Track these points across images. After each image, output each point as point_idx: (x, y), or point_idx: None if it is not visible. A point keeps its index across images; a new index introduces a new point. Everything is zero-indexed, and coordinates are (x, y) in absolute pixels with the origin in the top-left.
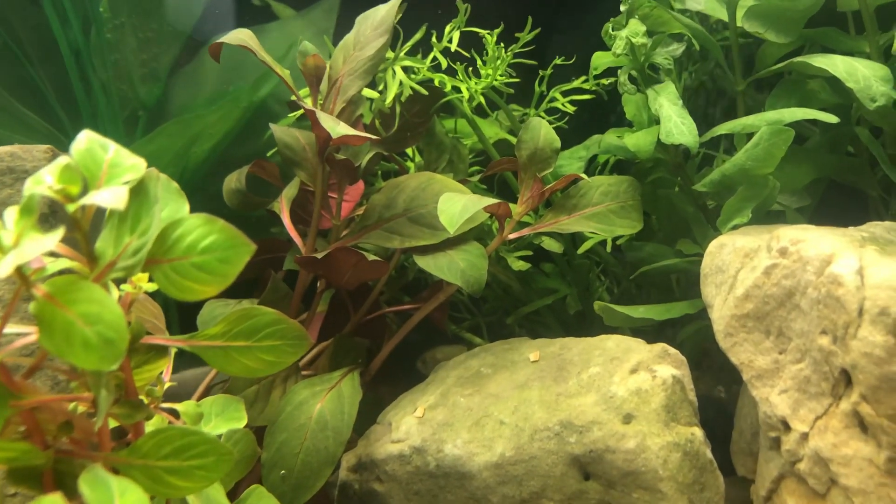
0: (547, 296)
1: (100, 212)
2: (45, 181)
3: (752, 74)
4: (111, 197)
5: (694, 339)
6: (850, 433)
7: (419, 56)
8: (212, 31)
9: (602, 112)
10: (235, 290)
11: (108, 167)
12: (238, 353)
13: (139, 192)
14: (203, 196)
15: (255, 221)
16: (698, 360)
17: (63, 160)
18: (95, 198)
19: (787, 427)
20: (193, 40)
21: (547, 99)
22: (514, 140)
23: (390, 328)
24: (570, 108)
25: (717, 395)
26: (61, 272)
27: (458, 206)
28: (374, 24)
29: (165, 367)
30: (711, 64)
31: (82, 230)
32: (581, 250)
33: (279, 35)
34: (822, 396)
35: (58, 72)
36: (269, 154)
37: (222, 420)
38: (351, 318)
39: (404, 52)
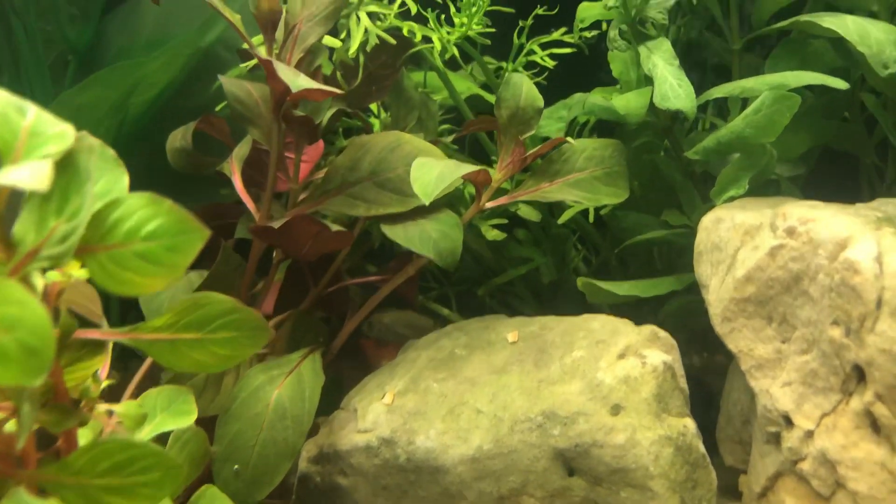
0: (520, 265)
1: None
2: None
3: (748, 32)
4: (30, 176)
5: (677, 316)
6: (860, 434)
7: (386, 1)
8: None
9: (584, 67)
10: None
11: (27, 136)
12: (188, 347)
13: (67, 165)
14: (146, 149)
15: (201, 182)
16: (681, 337)
17: None
18: (10, 176)
19: (789, 423)
20: None
21: (524, 52)
22: (488, 96)
23: (353, 302)
24: (550, 63)
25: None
26: None
27: (433, 173)
28: None
29: (102, 363)
30: (706, 20)
31: None
32: (562, 220)
33: None
34: (831, 392)
35: None
36: (218, 108)
37: (169, 415)
38: (310, 290)
39: None
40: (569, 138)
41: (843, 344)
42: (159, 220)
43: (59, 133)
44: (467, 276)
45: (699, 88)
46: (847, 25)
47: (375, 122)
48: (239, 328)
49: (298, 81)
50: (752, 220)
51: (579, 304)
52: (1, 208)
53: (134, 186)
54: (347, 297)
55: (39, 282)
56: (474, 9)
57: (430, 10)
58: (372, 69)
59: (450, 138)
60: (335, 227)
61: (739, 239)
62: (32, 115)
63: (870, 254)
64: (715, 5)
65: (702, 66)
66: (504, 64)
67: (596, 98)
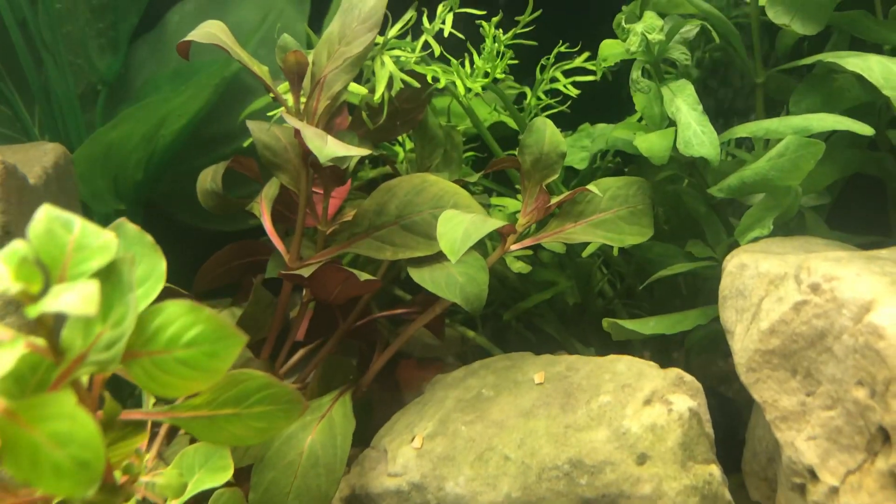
0: (545, 289)
1: None
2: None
3: (772, 60)
4: (79, 300)
5: (703, 344)
6: (886, 495)
7: (409, 38)
8: None
9: (606, 94)
10: (214, 292)
11: (72, 251)
12: (226, 422)
13: (111, 274)
14: (174, 175)
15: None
16: (704, 364)
17: (19, 247)
18: (60, 302)
19: (814, 476)
20: (155, 3)
21: (547, 79)
22: (510, 122)
23: (381, 334)
24: (573, 91)
25: (725, 394)
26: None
27: (459, 230)
28: (361, 17)
29: (144, 439)
30: (729, 52)
31: (46, 327)
32: (585, 253)
33: (251, 3)
34: (856, 450)
35: (3, 47)
36: (246, 144)
37: (207, 473)
38: (339, 323)
39: (393, 35)
40: (591, 186)
41: (868, 405)
42: (199, 328)
43: (102, 245)
44: (493, 298)
45: (724, 115)
46: (871, 68)
47: (400, 151)
48: (274, 402)
49: (326, 151)
50: (777, 269)
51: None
52: (50, 324)
53: (162, 210)
54: (376, 329)
55: (85, 378)
56: (497, 61)
57: (453, 47)
58: (397, 104)
59: (475, 178)
60: (364, 277)
61: (764, 288)
62: (78, 230)
63: (894, 318)
64: (737, 39)
65: (726, 91)
66: (527, 90)
67: (620, 133)
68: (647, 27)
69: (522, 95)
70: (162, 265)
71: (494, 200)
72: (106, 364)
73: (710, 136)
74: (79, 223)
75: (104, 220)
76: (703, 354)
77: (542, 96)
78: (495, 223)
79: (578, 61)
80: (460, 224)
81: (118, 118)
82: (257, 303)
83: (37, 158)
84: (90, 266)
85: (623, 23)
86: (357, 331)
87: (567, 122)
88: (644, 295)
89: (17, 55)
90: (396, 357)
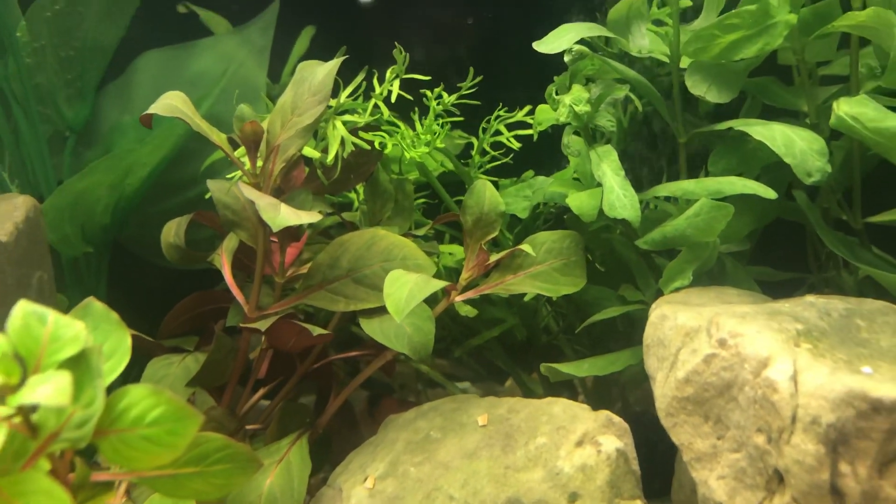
0: (494, 325)
1: None
2: None
3: (695, 117)
4: (53, 392)
5: (636, 380)
6: None
7: (360, 99)
8: (140, 41)
9: (551, 139)
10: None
11: (47, 342)
12: (188, 480)
13: (81, 361)
14: (139, 218)
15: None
16: (643, 395)
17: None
18: (37, 394)
19: None
20: (122, 52)
21: (490, 132)
22: (458, 171)
23: (337, 375)
24: (516, 144)
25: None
26: None
27: (404, 291)
28: (312, 90)
29: (114, 496)
30: (654, 116)
31: (23, 409)
32: (527, 298)
33: (213, 54)
34: (757, 489)
35: None
36: (207, 196)
37: None
38: (297, 366)
39: (344, 98)
40: (526, 246)
41: (766, 450)
42: (161, 409)
43: (73, 336)
44: (446, 335)
45: (655, 168)
46: (774, 137)
47: (354, 197)
48: (233, 461)
49: (278, 220)
50: (692, 321)
51: (549, 360)
52: (27, 407)
53: (128, 250)
54: (332, 371)
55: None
56: (437, 132)
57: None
58: (350, 160)
59: (422, 231)
60: (316, 332)
61: (681, 339)
62: (51, 322)
63: (786, 373)
64: (661, 103)
65: (656, 146)
66: (473, 140)
67: (555, 189)
68: (574, 99)
69: (470, 144)
70: (127, 340)
71: (443, 248)
72: (77, 441)
73: (632, 200)
74: (52, 316)
75: (72, 263)
76: (638, 388)
77: (488, 148)
78: (437, 284)
79: (520, 115)
80: (405, 285)
81: (86, 170)
82: (219, 350)
83: (8, 214)
84: (63, 355)
85: (554, 94)
86: (314, 372)
87: (512, 169)
88: (584, 332)
89: None
90: (378, 393)
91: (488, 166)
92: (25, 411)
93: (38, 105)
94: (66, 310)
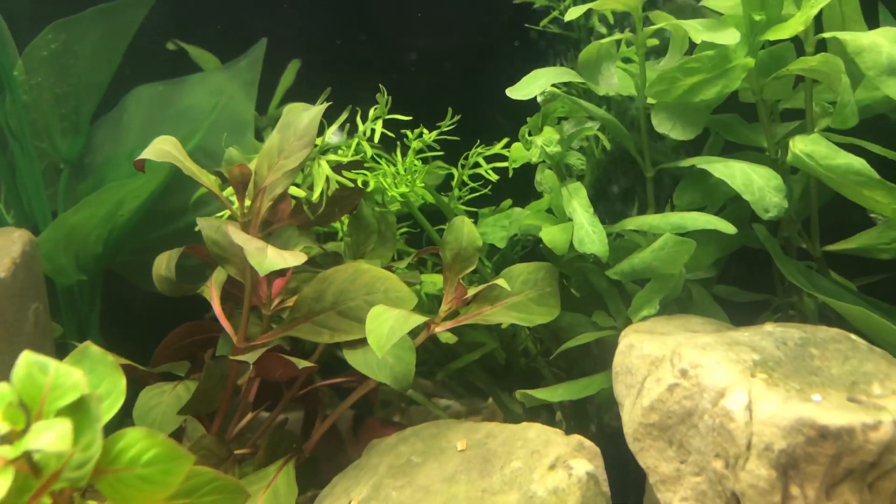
0: (475, 349)
1: None
2: None
3: (662, 150)
4: (55, 439)
5: (609, 402)
6: None
7: (345, 136)
8: (133, 74)
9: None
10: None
11: (48, 390)
12: None
13: (80, 406)
14: (131, 246)
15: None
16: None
17: (5, 392)
18: (40, 441)
19: None
20: (112, 87)
21: (469, 164)
22: (439, 204)
23: (322, 401)
24: (493, 177)
25: None
26: None
27: (385, 327)
28: (297, 134)
29: None
30: (625, 153)
31: (28, 455)
32: (504, 325)
33: (203, 89)
34: None
35: None
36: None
37: None
38: (283, 392)
39: (328, 137)
40: (501, 281)
41: (724, 474)
42: (155, 450)
43: (73, 384)
44: (428, 357)
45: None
46: (734, 175)
47: (338, 226)
48: (222, 492)
49: (265, 265)
50: (657, 351)
51: (528, 381)
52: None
53: (120, 277)
54: (318, 397)
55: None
56: (417, 170)
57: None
58: (335, 194)
59: (404, 263)
60: (302, 364)
61: (646, 368)
62: (53, 371)
63: (742, 403)
64: (628, 140)
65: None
66: (454, 170)
67: (530, 222)
68: (545, 140)
69: (451, 175)
70: (122, 382)
71: (425, 277)
72: (77, 480)
73: (600, 236)
74: (53, 366)
75: (66, 291)
76: (611, 409)
77: (467, 180)
78: (417, 320)
79: (497, 148)
80: (386, 321)
81: (81, 203)
82: (209, 378)
83: (6, 248)
84: (63, 402)
85: (527, 134)
86: (301, 398)
87: (490, 198)
88: (561, 355)
89: None
90: (362, 414)
91: (467, 197)
92: (29, 454)
93: (33, 139)
94: (60, 337)
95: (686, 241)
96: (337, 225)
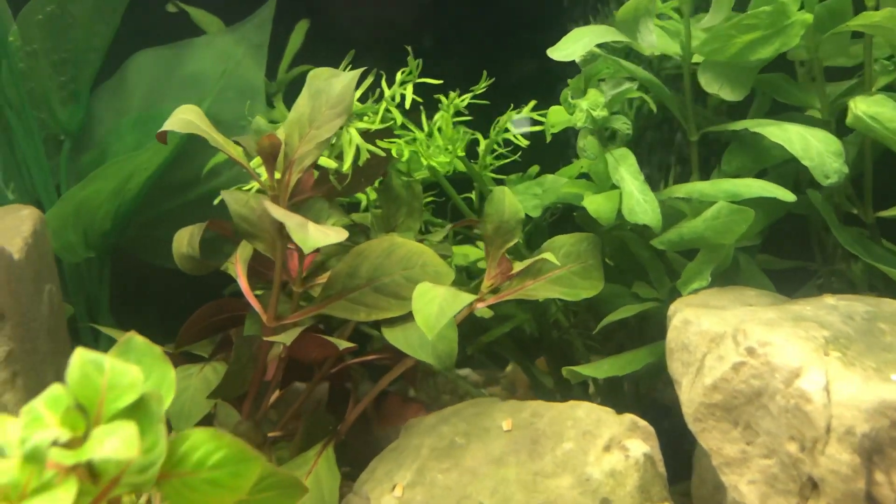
0: (505, 321)
1: None
2: (47, 427)
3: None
4: (121, 445)
5: (649, 375)
6: None
7: (373, 101)
8: (132, 41)
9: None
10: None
11: (105, 391)
12: None
13: (140, 407)
14: (140, 220)
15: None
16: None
17: (61, 394)
18: (105, 448)
19: None
20: (111, 52)
21: (501, 128)
22: (470, 173)
23: (354, 378)
24: (524, 142)
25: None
26: None
27: (434, 306)
28: (330, 102)
29: None
30: (665, 113)
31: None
32: (541, 299)
33: (209, 53)
34: (790, 495)
35: None
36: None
37: None
38: (314, 371)
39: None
40: (548, 254)
41: (799, 458)
42: (223, 452)
43: (131, 383)
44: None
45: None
46: (791, 139)
47: (363, 198)
48: (280, 487)
49: (309, 242)
50: (717, 327)
51: (560, 357)
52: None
53: (128, 253)
54: (349, 375)
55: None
56: (456, 143)
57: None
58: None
59: (439, 236)
60: (343, 345)
61: (706, 345)
62: (108, 370)
63: (819, 384)
64: (672, 102)
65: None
66: (480, 137)
67: (570, 189)
68: (591, 104)
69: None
70: (171, 374)
71: (457, 249)
72: (141, 486)
73: (652, 205)
74: (108, 363)
75: (74, 269)
76: (651, 381)
77: (497, 147)
78: (466, 298)
79: (526, 111)
80: (434, 300)
81: (88, 178)
82: (238, 360)
83: (15, 228)
84: (122, 403)
85: (570, 98)
86: (331, 376)
87: (516, 165)
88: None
89: None
90: (384, 391)
91: (496, 164)
92: (87, 466)
93: (32, 109)
94: (71, 318)
95: (743, 209)
96: (361, 196)
